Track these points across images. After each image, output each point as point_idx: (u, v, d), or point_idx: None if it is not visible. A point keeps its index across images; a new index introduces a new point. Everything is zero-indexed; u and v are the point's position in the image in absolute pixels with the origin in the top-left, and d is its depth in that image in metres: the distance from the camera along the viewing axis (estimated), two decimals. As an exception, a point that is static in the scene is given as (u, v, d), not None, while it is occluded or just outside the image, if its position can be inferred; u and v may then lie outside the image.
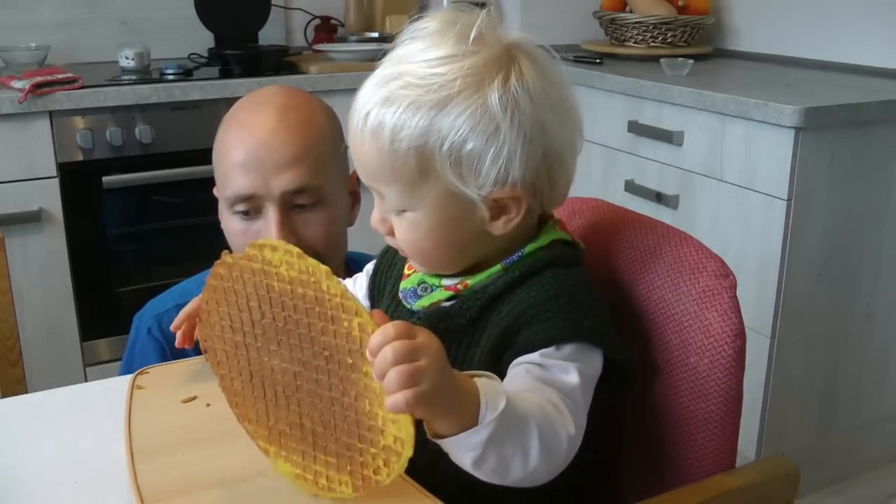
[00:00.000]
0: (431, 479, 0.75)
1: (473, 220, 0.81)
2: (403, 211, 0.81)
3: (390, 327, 0.62)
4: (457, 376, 0.67)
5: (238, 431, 0.85)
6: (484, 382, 0.69)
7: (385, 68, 0.80)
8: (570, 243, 0.87)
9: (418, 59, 0.78)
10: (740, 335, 0.86)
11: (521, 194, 0.80)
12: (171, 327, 0.93)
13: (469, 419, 0.67)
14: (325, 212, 1.16)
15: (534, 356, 0.78)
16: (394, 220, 0.83)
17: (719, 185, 1.98)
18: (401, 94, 0.77)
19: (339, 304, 0.65)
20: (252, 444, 0.81)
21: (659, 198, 2.13)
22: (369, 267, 1.01)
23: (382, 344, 0.62)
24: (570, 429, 0.74)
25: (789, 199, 1.83)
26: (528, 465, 0.71)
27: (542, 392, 0.75)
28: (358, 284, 1.02)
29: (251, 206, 1.13)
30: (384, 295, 0.95)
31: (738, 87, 2.07)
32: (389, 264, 0.96)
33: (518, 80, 0.78)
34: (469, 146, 0.76)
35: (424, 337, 0.64)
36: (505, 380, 0.79)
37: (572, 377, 0.77)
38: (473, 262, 0.85)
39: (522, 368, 0.78)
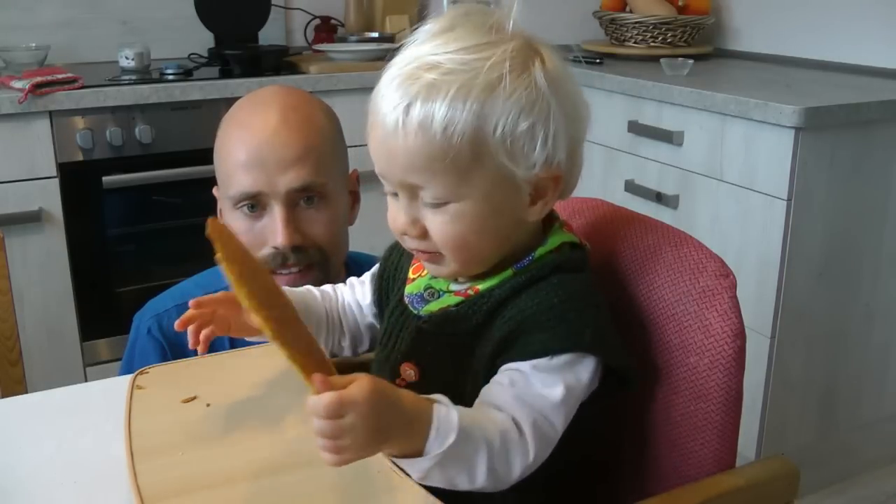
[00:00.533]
0: None
1: (515, 205, 0.80)
2: (445, 204, 0.78)
3: (321, 407, 0.65)
4: (404, 409, 0.69)
5: (238, 431, 0.85)
6: (441, 413, 0.70)
7: (407, 65, 0.77)
8: (577, 245, 0.87)
9: (450, 48, 0.76)
10: (740, 335, 0.86)
11: (561, 174, 0.81)
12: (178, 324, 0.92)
13: (416, 446, 0.69)
14: (329, 210, 1.17)
15: (524, 365, 0.78)
16: (429, 218, 0.80)
17: (719, 185, 1.98)
18: (446, 80, 0.75)
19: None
20: (252, 445, 0.81)
21: (659, 198, 2.13)
22: (374, 271, 0.99)
23: (310, 414, 0.66)
24: (528, 456, 0.75)
25: (789, 199, 1.83)
26: (474, 484, 0.73)
27: (515, 411, 0.75)
28: (359, 293, 1.00)
29: (256, 205, 1.14)
30: (390, 299, 0.94)
31: (738, 87, 2.07)
32: (395, 268, 0.95)
33: (550, 63, 0.79)
34: (522, 126, 0.76)
35: (354, 415, 0.65)
36: (490, 384, 0.79)
37: (556, 392, 0.77)
38: (501, 259, 0.83)
39: (507, 377, 0.78)
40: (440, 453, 0.69)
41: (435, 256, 0.82)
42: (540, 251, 0.83)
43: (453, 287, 0.85)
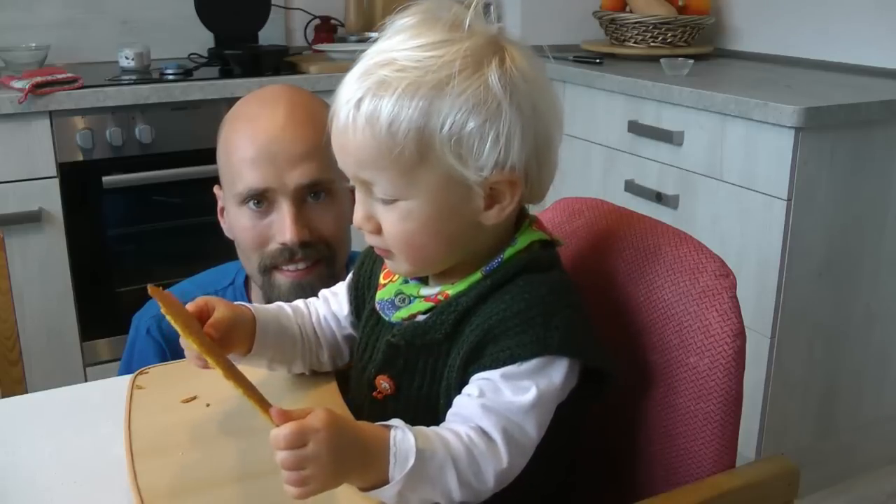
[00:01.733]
0: None
1: (468, 209, 0.79)
2: (395, 201, 0.78)
3: (281, 438, 0.66)
4: (362, 439, 0.69)
5: (238, 431, 0.85)
6: (396, 438, 0.70)
7: (368, 60, 0.78)
8: (548, 242, 0.85)
9: (408, 45, 0.76)
10: (740, 335, 0.85)
11: (518, 178, 0.78)
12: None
13: (380, 474, 0.69)
14: (335, 206, 1.17)
15: (493, 373, 0.76)
16: (382, 214, 0.79)
17: (719, 185, 1.98)
18: (397, 76, 0.75)
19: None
20: (251, 445, 0.81)
21: (659, 198, 2.13)
22: (348, 281, 0.97)
23: (274, 447, 0.67)
24: (501, 463, 0.74)
25: (789, 199, 1.83)
26: (451, 499, 0.73)
27: (481, 420, 0.74)
28: (335, 304, 0.97)
29: (263, 201, 1.14)
30: (365, 308, 0.92)
31: (738, 87, 2.07)
32: (368, 276, 0.93)
33: (511, 62, 0.77)
34: (470, 126, 0.75)
35: (317, 442, 0.66)
36: (460, 395, 0.78)
37: (526, 397, 0.76)
38: (460, 261, 0.82)
39: (476, 387, 0.76)
40: (402, 477, 0.69)
41: (389, 253, 0.82)
42: (509, 252, 0.82)
43: (423, 292, 0.84)
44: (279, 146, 1.12)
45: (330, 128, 0.80)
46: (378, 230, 0.80)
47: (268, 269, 1.17)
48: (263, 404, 0.70)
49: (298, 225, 1.13)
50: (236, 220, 1.18)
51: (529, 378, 0.76)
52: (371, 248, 0.86)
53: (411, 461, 0.69)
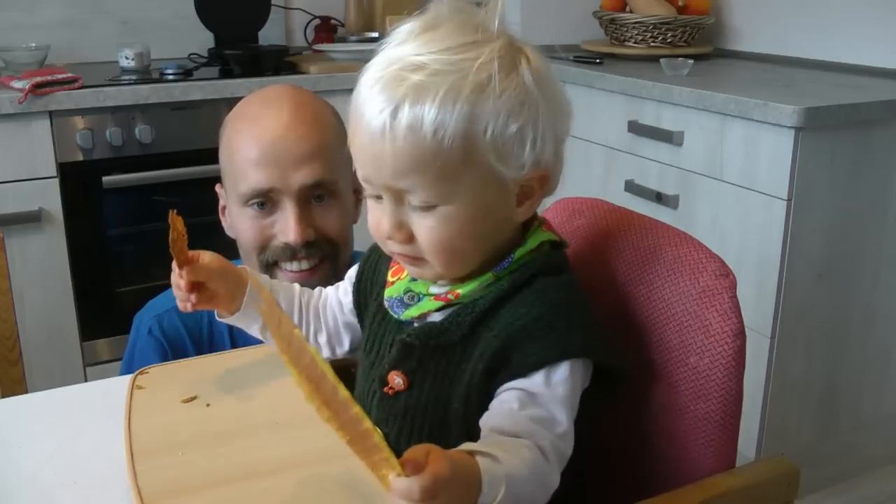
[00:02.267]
0: None
1: (503, 207, 0.79)
2: (433, 207, 0.77)
3: (416, 491, 0.60)
4: (464, 473, 0.65)
5: (238, 431, 0.85)
6: (487, 467, 0.68)
7: (388, 67, 0.75)
8: (556, 243, 0.86)
9: (434, 48, 0.75)
10: (740, 335, 0.86)
11: (548, 173, 0.80)
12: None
13: (472, 502, 0.67)
14: (339, 206, 1.18)
15: (525, 382, 0.77)
16: (416, 222, 0.78)
17: (719, 185, 1.98)
18: (434, 81, 0.73)
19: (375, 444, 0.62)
20: (251, 445, 0.81)
21: (659, 198, 2.13)
22: (351, 274, 0.97)
23: (401, 497, 0.61)
24: (554, 480, 0.74)
25: (789, 199, 1.83)
26: None
27: (537, 438, 0.74)
28: (342, 291, 0.99)
29: (267, 201, 1.14)
30: (370, 304, 0.93)
31: (738, 87, 2.07)
32: (373, 271, 0.93)
33: (535, 62, 0.78)
34: (512, 127, 0.75)
35: (442, 470, 0.62)
36: (496, 405, 0.78)
37: (564, 410, 0.76)
38: (485, 259, 0.82)
39: (515, 399, 0.76)
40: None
41: (418, 261, 0.81)
42: (519, 252, 0.82)
43: (433, 290, 0.84)
44: (283, 146, 1.12)
45: (353, 138, 0.78)
46: (409, 239, 0.79)
47: (270, 266, 1.17)
48: (373, 455, 0.62)
49: (302, 225, 1.14)
50: (239, 220, 1.18)
51: (563, 386, 0.77)
52: (376, 244, 0.86)
53: (502, 491, 0.67)
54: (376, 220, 0.80)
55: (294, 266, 1.16)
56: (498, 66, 0.74)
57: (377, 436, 0.61)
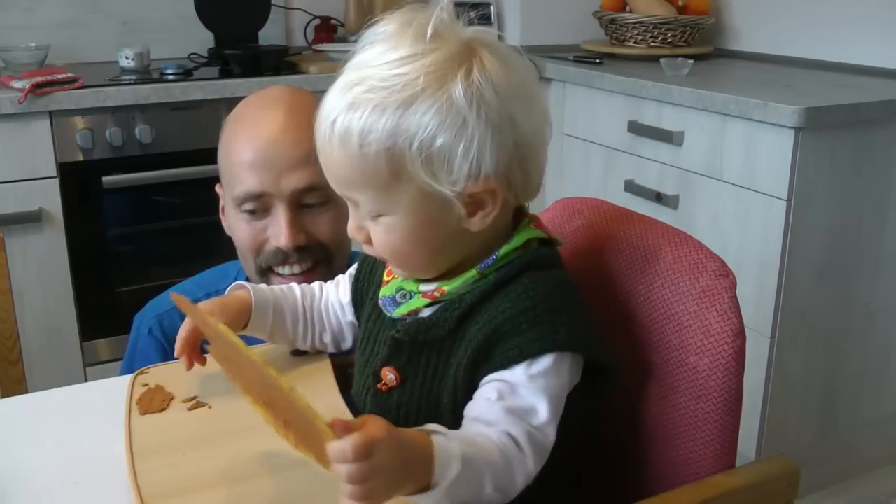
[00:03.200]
0: None
1: (450, 218, 0.79)
2: (379, 216, 0.80)
3: (349, 450, 0.61)
4: (410, 445, 0.66)
5: (238, 431, 0.85)
6: (440, 444, 0.69)
7: (347, 74, 0.79)
8: (547, 241, 0.86)
9: (379, 62, 0.77)
10: (740, 335, 0.86)
11: (496, 186, 0.78)
12: (175, 354, 0.92)
13: (423, 480, 0.67)
14: (333, 211, 1.17)
15: (506, 374, 0.77)
16: (370, 227, 0.82)
17: (719, 185, 1.98)
18: (365, 97, 0.76)
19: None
20: (251, 445, 0.81)
21: (659, 198, 2.13)
22: (351, 271, 1.00)
23: (336, 461, 0.62)
24: (528, 466, 0.75)
25: (789, 199, 1.83)
26: (482, 501, 0.73)
27: (509, 426, 0.75)
28: (342, 290, 1.00)
29: (259, 205, 1.14)
30: (366, 303, 0.94)
31: (738, 87, 2.07)
32: (370, 271, 0.95)
33: (481, 72, 0.77)
34: (438, 142, 0.75)
35: (382, 452, 0.62)
36: (476, 396, 0.78)
37: (544, 400, 0.77)
38: (455, 263, 0.83)
39: (494, 391, 0.77)
40: (447, 485, 0.68)
41: (384, 259, 0.85)
42: (504, 249, 0.82)
43: (422, 288, 0.85)
44: (276, 150, 1.12)
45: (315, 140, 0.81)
46: (368, 240, 0.83)
47: (265, 271, 1.17)
48: (318, 416, 0.64)
49: (294, 229, 1.13)
50: (234, 222, 1.18)
51: (544, 379, 0.77)
52: None
53: (455, 468, 0.68)
54: (349, 222, 0.85)
55: (286, 270, 1.16)
56: (424, 82, 0.75)
57: (319, 420, 0.62)
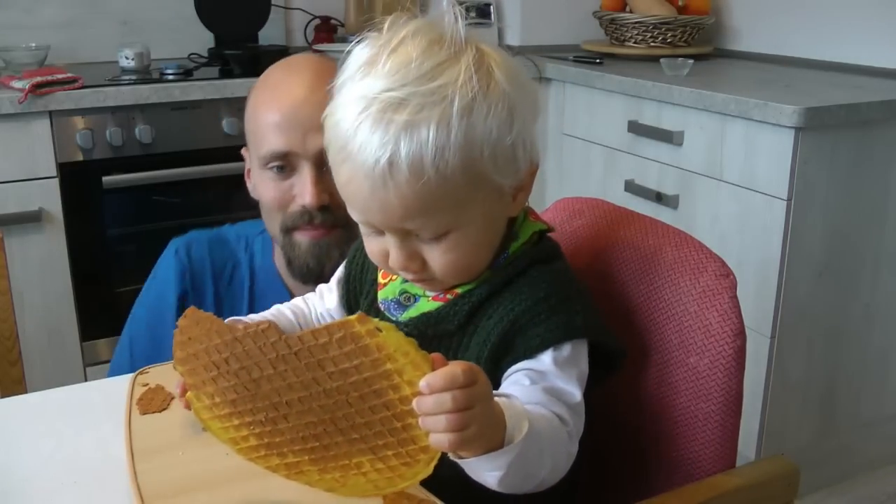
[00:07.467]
0: (433, 479, 0.75)
1: (503, 210, 0.82)
2: (446, 234, 0.77)
3: (459, 373, 0.60)
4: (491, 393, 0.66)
5: (238, 431, 0.85)
6: (507, 404, 0.68)
7: (368, 106, 0.73)
8: (544, 231, 0.87)
9: (407, 79, 0.73)
10: (740, 335, 0.86)
11: (538, 163, 0.82)
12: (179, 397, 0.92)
13: (496, 436, 0.66)
14: None
15: (532, 363, 0.78)
16: (427, 250, 0.79)
17: (719, 185, 1.98)
18: (421, 116, 0.71)
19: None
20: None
21: (659, 198, 2.13)
22: (339, 275, 0.99)
23: (444, 388, 0.61)
24: (572, 448, 0.76)
25: (789, 199, 1.83)
26: (540, 478, 0.72)
27: (552, 407, 0.75)
28: (327, 299, 0.99)
29: (285, 164, 1.16)
30: (361, 303, 0.93)
31: (738, 87, 2.07)
32: (360, 271, 0.95)
33: (496, 64, 0.77)
34: (506, 140, 0.76)
35: (481, 383, 0.63)
36: (507, 385, 0.79)
37: (574, 385, 0.78)
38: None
39: (525, 376, 0.78)
40: (521, 441, 0.66)
41: (430, 281, 0.82)
42: (514, 246, 0.84)
43: (430, 291, 0.85)
44: (303, 111, 1.14)
45: (348, 183, 0.77)
46: (423, 267, 0.80)
47: (289, 230, 1.20)
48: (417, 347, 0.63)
49: (318, 189, 1.15)
50: (260, 183, 1.20)
51: (569, 365, 0.78)
52: (361, 242, 0.87)
53: (525, 427, 0.67)
54: (381, 252, 0.81)
55: (310, 228, 1.18)
56: (477, 82, 0.73)
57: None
